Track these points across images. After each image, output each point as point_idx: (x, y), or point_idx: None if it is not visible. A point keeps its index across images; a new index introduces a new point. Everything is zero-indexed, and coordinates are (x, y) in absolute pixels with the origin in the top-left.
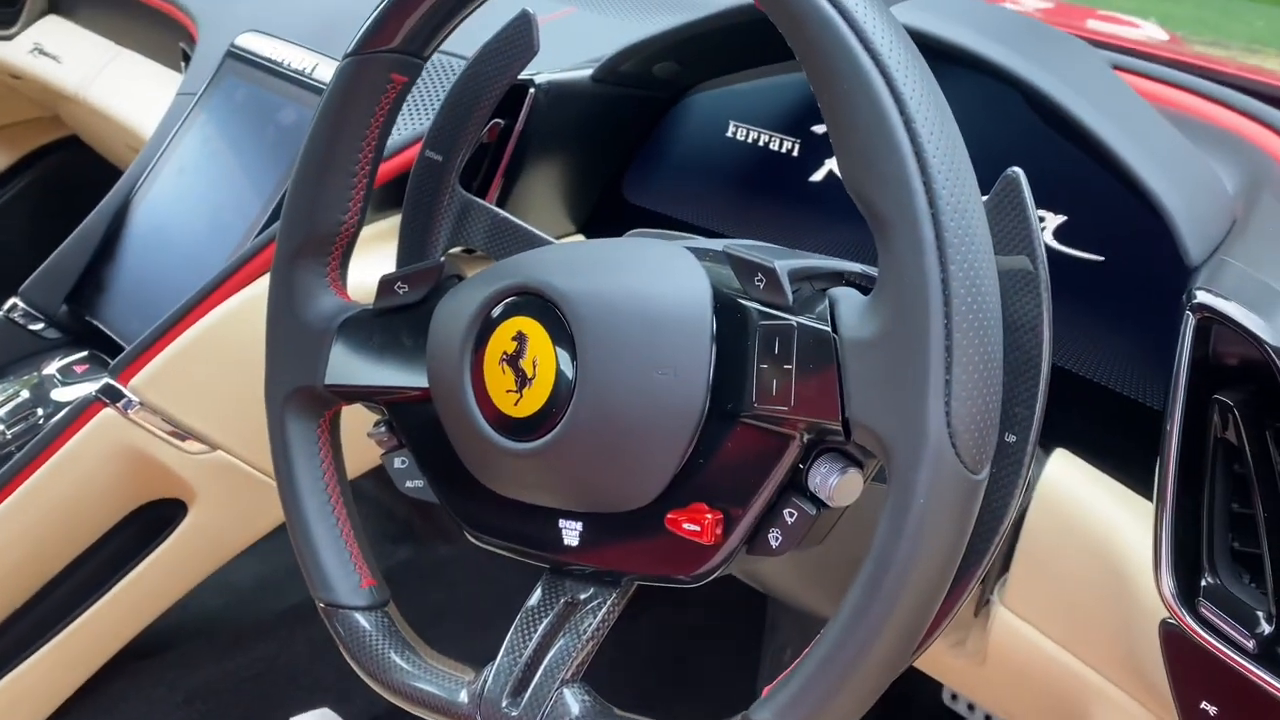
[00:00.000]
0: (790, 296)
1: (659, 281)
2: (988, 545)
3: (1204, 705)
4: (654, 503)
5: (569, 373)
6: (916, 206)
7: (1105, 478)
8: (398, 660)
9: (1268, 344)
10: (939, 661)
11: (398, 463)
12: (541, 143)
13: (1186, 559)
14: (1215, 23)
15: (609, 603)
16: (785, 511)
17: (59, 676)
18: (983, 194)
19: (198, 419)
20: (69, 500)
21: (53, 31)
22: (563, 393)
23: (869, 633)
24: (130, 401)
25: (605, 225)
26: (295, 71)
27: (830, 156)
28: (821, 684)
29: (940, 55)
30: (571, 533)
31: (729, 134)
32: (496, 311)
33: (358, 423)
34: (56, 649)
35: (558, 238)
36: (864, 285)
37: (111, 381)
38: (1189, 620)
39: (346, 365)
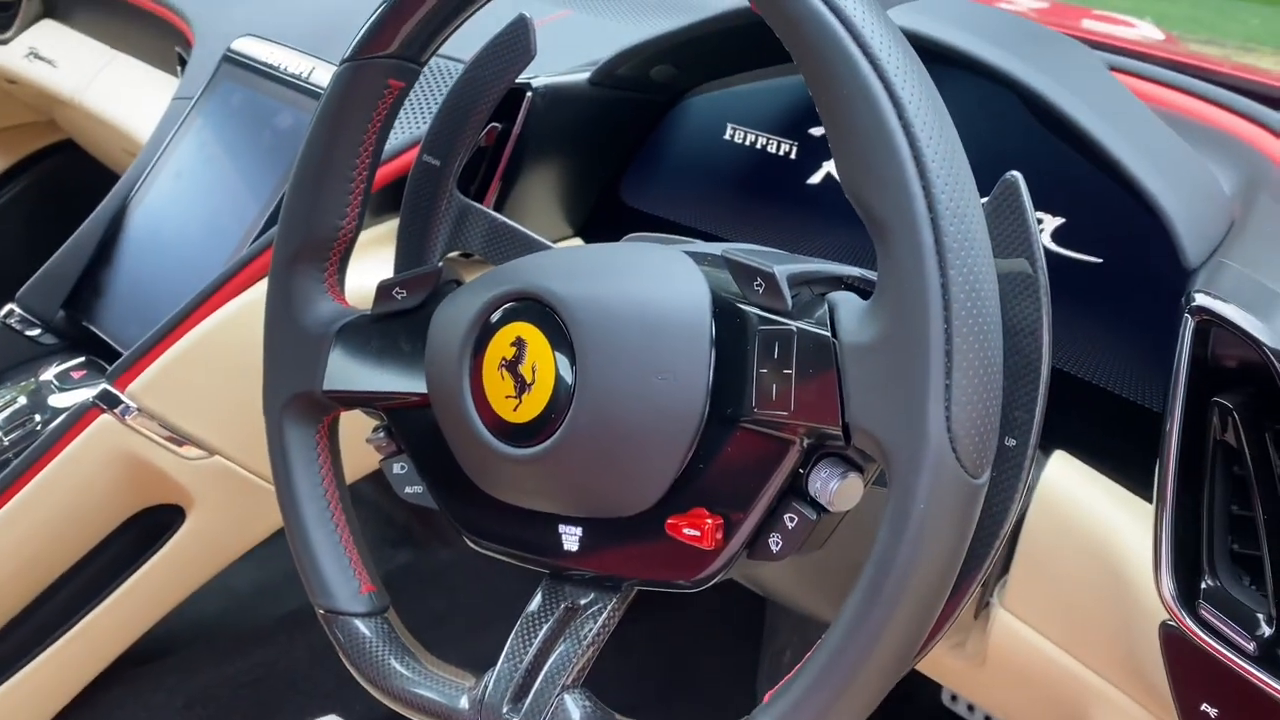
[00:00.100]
0: (789, 301)
1: (658, 286)
2: (988, 549)
3: (1204, 707)
4: (654, 508)
5: (568, 378)
6: (915, 211)
7: (1105, 480)
8: (398, 666)
9: (1266, 346)
10: (939, 663)
11: (397, 468)
12: (539, 146)
13: (1186, 561)
14: (1210, 21)
15: (609, 608)
16: (786, 516)
17: (57, 683)
18: (981, 197)
19: (195, 424)
20: (67, 506)
21: (48, 36)
22: (562, 398)
23: (870, 638)
24: (128, 407)
25: (603, 229)
26: (292, 76)
27: (828, 159)
28: (823, 689)
29: (937, 58)
30: (571, 538)
31: (727, 137)
32: (495, 317)
33: (357, 426)
34: (54, 656)
35: (555, 241)
36: (863, 289)
37: (109, 387)
38: (1189, 622)
39: (345, 371)
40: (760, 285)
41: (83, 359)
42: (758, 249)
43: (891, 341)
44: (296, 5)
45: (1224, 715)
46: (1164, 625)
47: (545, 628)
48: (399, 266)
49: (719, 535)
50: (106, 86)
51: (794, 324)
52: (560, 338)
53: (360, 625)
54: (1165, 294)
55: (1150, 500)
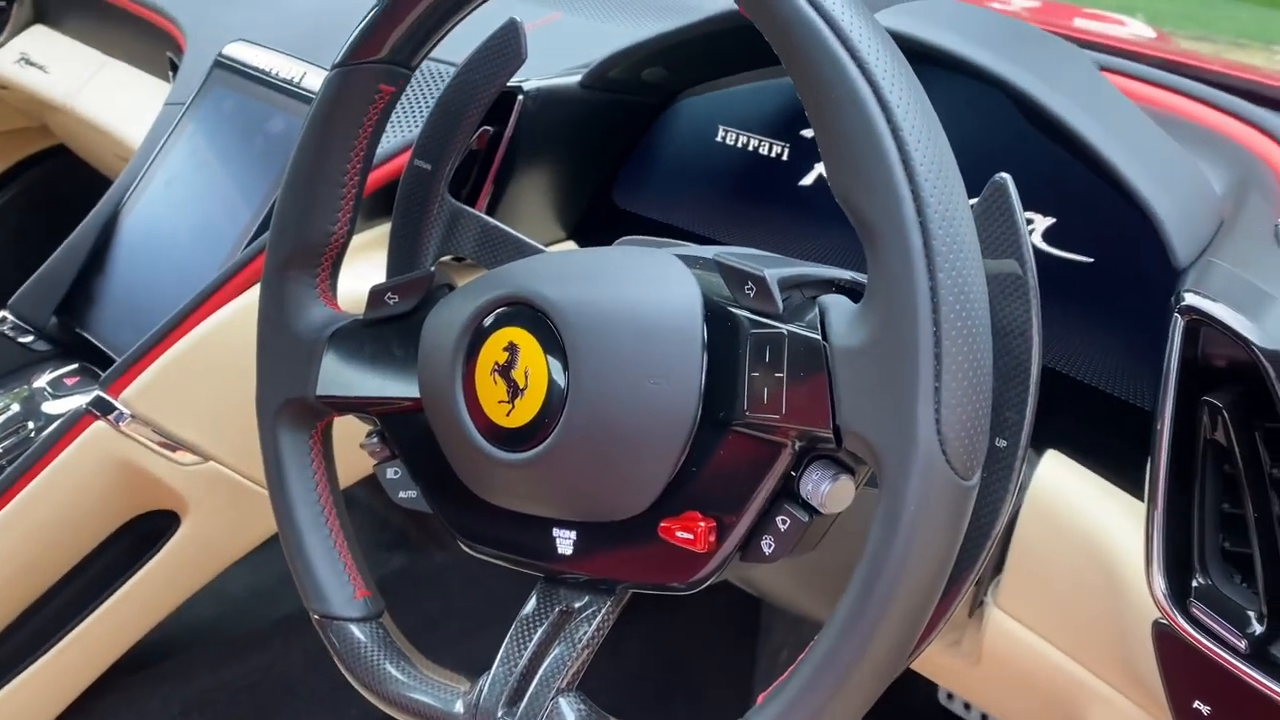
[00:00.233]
0: (780, 305)
1: (650, 290)
2: (980, 550)
3: (1197, 705)
4: (647, 511)
5: (561, 382)
6: (904, 215)
7: (1097, 478)
8: (393, 671)
9: (1255, 345)
10: (934, 662)
11: (390, 473)
12: (531, 149)
13: (1178, 559)
14: (1202, 18)
15: (604, 611)
16: (778, 519)
17: (51, 692)
18: (973, 197)
19: (189, 430)
20: (61, 514)
21: (39, 41)
22: (555, 403)
23: (862, 639)
24: (121, 414)
25: (596, 231)
26: (284, 81)
27: (820, 160)
28: (816, 691)
29: (927, 59)
30: (565, 542)
31: (718, 138)
32: (488, 322)
33: (351, 431)
34: (48, 664)
35: (548, 244)
36: (855, 292)
37: (102, 394)
38: (1180, 620)
39: (338, 376)
40: (751, 289)
41: (76, 365)
42: (749, 252)
43: (881, 345)
44: (287, 10)
45: (1216, 712)
46: (1156, 623)
47: (540, 631)
48: (391, 271)
49: (712, 538)
50: (98, 92)
51: (785, 327)
52: (553, 342)
53: (355, 630)
54: (1156, 293)
55: (1143, 498)
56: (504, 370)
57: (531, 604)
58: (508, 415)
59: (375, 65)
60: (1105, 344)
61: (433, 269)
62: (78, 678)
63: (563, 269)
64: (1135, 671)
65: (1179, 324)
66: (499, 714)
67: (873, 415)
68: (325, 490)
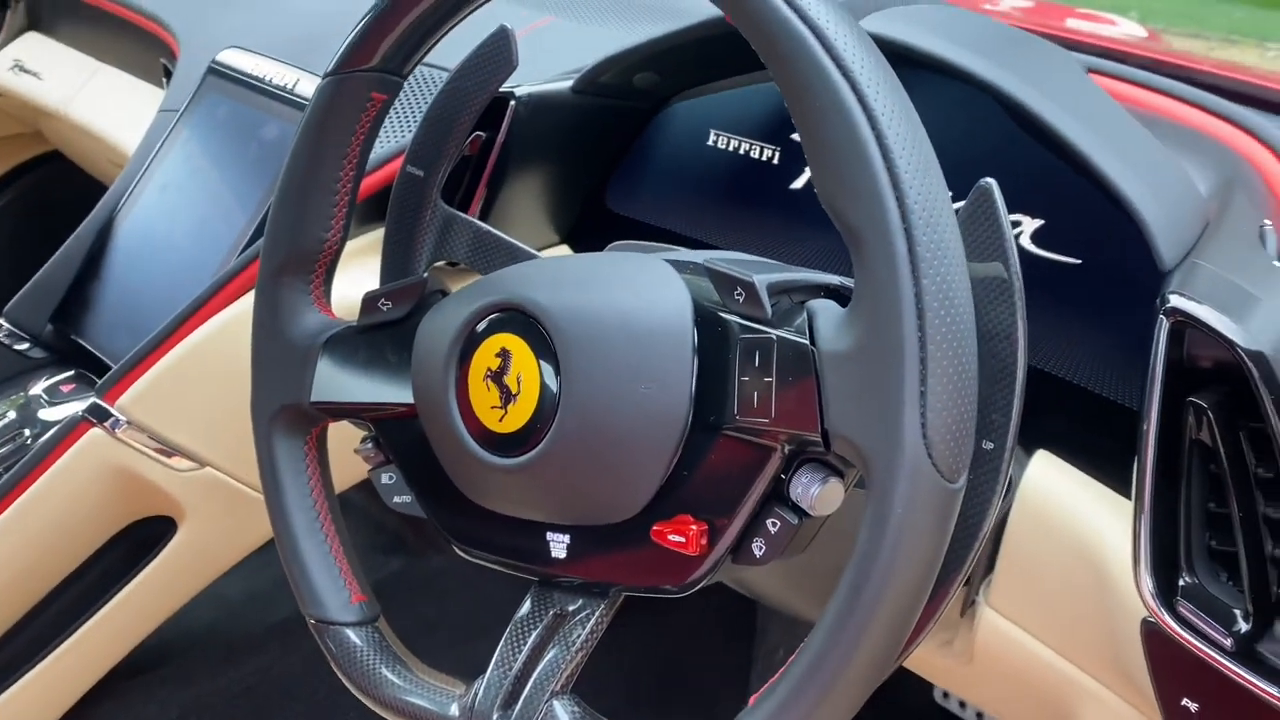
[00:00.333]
0: (769, 310)
1: (640, 296)
2: (968, 551)
3: (1185, 702)
4: (639, 515)
5: (553, 388)
6: (889, 221)
7: (1086, 478)
8: (388, 675)
9: (1239, 346)
10: (928, 661)
11: (385, 478)
12: (523, 154)
13: (1165, 558)
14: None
15: (597, 613)
16: (768, 521)
17: (48, 699)
18: (960, 200)
19: (185, 436)
20: (58, 520)
21: (33, 48)
22: (547, 408)
23: (851, 640)
24: (117, 420)
25: (588, 235)
26: (277, 87)
27: None
28: (806, 692)
29: (914, 63)
30: (559, 545)
31: (710, 142)
32: (480, 328)
33: (346, 435)
34: (45, 671)
35: (541, 249)
36: (844, 296)
37: (98, 401)
38: (1168, 619)
39: (332, 382)
40: (741, 294)
41: (72, 372)
42: (739, 257)
43: (867, 350)
44: (281, 17)
45: (1204, 710)
46: (1144, 622)
47: (534, 634)
48: (385, 277)
49: (703, 541)
50: (92, 98)
51: (774, 332)
52: (545, 348)
53: (351, 635)
54: (1143, 294)
55: (1130, 497)
56: (497, 376)
57: (526, 607)
58: (500, 420)
59: (367, 73)
60: (1093, 345)
61: (426, 275)
62: (75, 683)
63: (554, 275)
64: (1125, 669)
65: (1164, 325)
66: (494, 717)
67: (859, 419)
68: (320, 495)
